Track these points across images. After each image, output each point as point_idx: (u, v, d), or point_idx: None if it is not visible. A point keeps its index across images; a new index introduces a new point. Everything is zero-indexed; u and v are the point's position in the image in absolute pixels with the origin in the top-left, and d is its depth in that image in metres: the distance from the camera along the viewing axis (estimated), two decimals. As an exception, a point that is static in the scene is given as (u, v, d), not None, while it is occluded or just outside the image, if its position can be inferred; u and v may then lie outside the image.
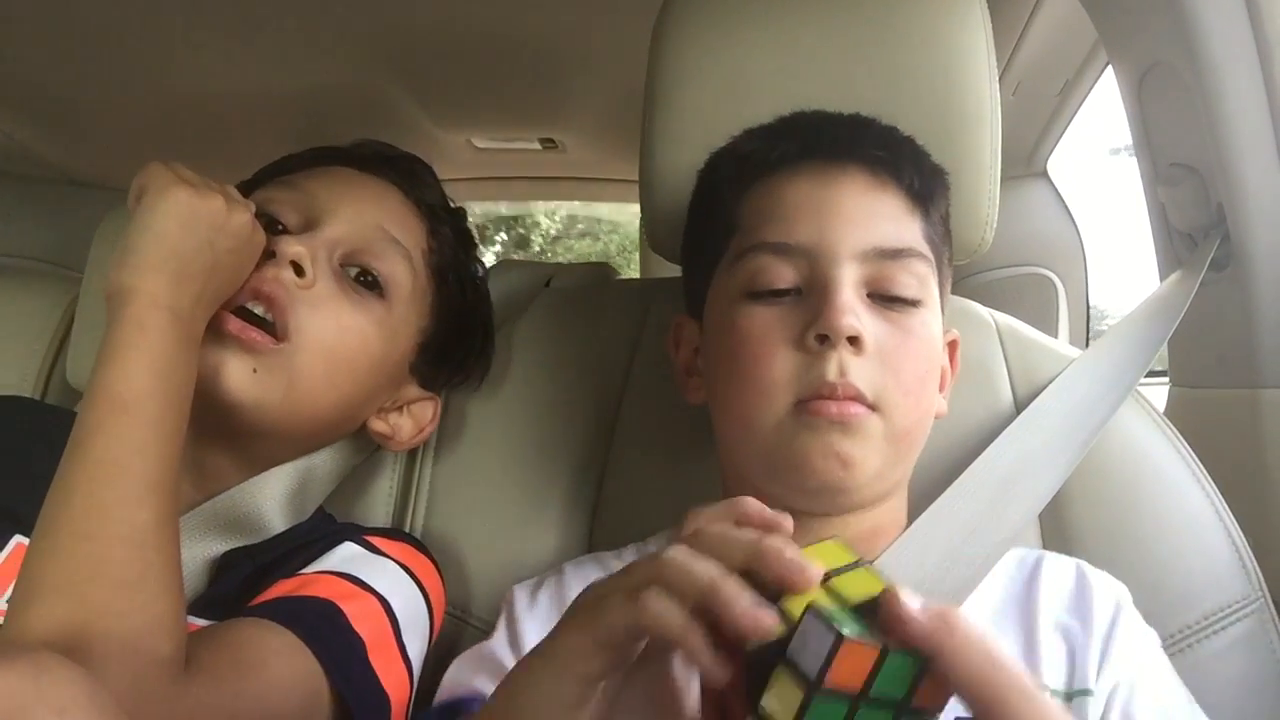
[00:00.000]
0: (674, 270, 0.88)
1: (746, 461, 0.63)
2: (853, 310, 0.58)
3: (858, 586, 0.36)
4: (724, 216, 0.66)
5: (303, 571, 0.64)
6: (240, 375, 0.63)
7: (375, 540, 0.68)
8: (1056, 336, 1.30)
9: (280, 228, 0.68)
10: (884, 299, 0.60)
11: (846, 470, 0.58)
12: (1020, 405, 0.75)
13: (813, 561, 0.36)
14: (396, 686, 0.62)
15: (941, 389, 0.67)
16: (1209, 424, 0.89)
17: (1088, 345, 1.61)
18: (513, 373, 0.84)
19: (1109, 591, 0.62)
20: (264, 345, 0.64)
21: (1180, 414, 0.90)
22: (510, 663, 0.61)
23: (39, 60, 1.25)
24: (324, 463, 0.74)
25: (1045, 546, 0.71)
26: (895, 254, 0.60)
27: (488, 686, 0.60)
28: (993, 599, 0.62)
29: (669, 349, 0.72)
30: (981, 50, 0.74)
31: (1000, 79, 0.77)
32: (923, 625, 0.34)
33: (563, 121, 1.84)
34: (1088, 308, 1.63)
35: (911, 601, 0.34)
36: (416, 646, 0.65)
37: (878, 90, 0.73)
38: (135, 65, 1.30)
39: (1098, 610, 0.60)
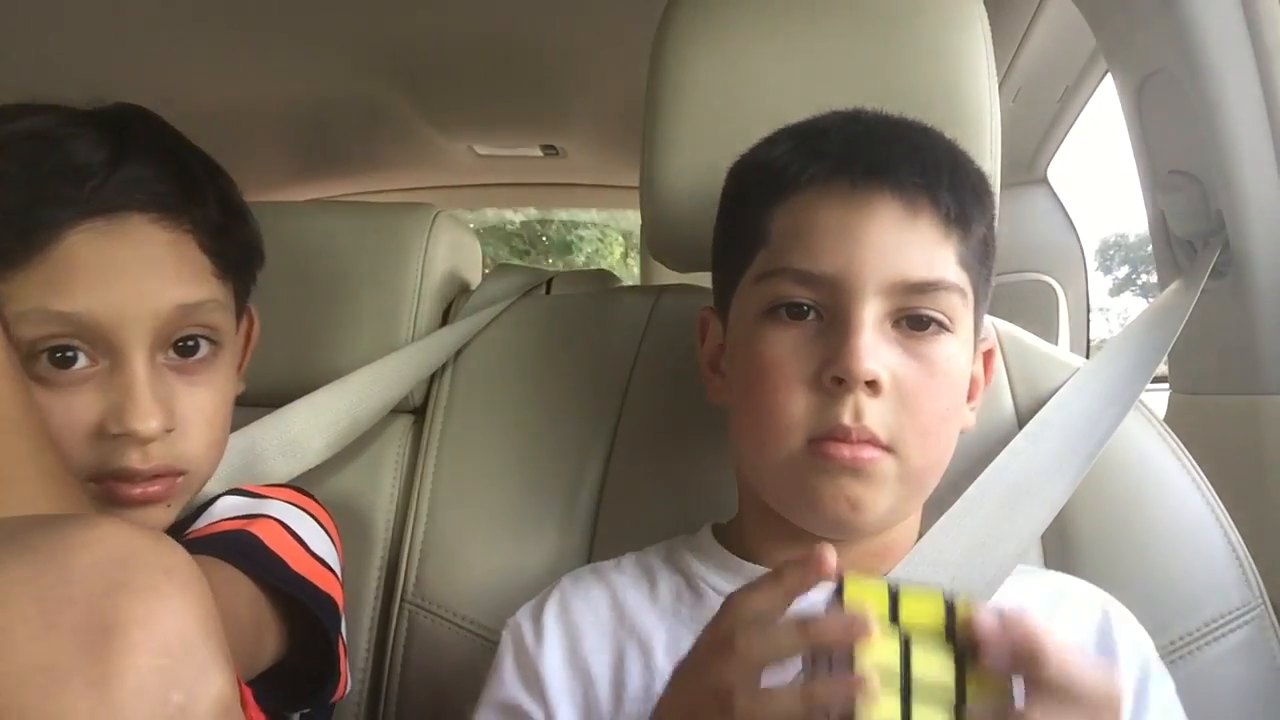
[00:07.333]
0: (676, 277, 0.89)
1: (759, 482, 0.63)
2: (872, 354, 0.56)
3: (920, 614, 0.42)
4: (752, 226, 0.64)
5: (193, 528, 0.63)
6: (161, 516, 0.62)
7: (254, 489, 0.69)
8: (1056, 343, 1.30)
9: (71, 354, 0.58)
10: (910, 328, 0.58)
11: (855, 512, 0.57)
12: (1021, 413, 0.75)
13: (861, 605, 0.42)
14: (333, 591, 0.63)
15: (971, 398, 0.64)
16: (1209, 431, 0.89)
17: (1088, 352, 1.62)
18: (514, 379, 0.85)
19: (1135, 638, 0.61)
20: (170, 490, 0.61)
21: (1180, 421, 0.90)
22: (530, 706, 0.60)
23: (41, 71, 1.25)
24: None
25: (1046, 554, 0.71)
26: (924, 287, 0.58)
27: None
28: None
29: (696, 340, 0.71)
30: (981, 57, 0.74)
31: (1000, 86, 0.78)
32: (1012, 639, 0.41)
33: (564, 128, 1.84)
34: (1088, 314, 1.63)
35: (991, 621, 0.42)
36: (331, 559, 0.66)
37: (878, 97, 0.73)
38: (136, 77, 1.31)
39: (1124, 655, 0.59)
